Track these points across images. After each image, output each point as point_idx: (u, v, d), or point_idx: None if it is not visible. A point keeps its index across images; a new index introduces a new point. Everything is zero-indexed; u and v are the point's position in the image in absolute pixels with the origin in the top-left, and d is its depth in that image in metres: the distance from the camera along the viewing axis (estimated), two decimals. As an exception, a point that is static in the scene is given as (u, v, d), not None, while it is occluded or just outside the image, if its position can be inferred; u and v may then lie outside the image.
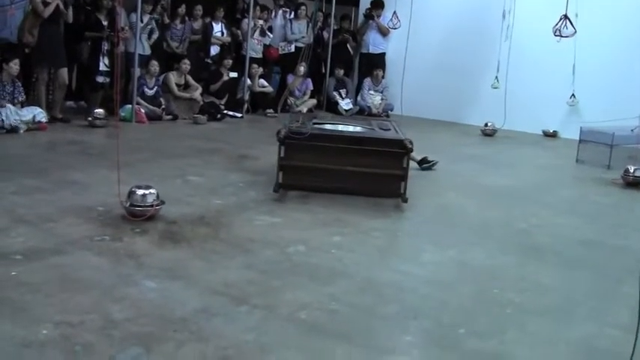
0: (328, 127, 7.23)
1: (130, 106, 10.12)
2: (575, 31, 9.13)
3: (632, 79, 10.54)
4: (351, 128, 7.25)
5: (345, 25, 14.54)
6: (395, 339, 3.58)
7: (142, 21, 10.64)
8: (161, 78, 10.87)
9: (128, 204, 5.20)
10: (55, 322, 3.36)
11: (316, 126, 7.01)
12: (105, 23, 10.14)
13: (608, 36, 11.56)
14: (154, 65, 10.54)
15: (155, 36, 11.20)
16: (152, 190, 5.26)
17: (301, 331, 3.53)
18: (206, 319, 3.55)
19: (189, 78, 11.24)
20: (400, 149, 6.42)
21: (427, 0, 13.14)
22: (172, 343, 3.24)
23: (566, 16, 9.10)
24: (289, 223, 5.50)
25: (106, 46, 10.12)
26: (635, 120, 8.81)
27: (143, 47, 10.83)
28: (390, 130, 7.22)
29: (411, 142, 6.42)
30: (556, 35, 9.33)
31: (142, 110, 10.21)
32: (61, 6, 9.17)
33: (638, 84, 9.87)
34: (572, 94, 12.24)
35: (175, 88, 10.98)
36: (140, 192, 5.23)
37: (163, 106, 10.65)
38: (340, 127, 7.27)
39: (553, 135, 12.58)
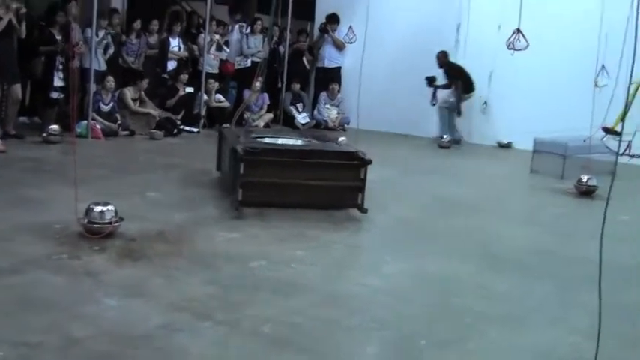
0: (268, 140, 7.25)
1: (85, 122, 10.02)
2: (528, 45, 9.29)
3: (581, 90, 10.73)
4: (291, 142, 7.30)
5: (302, 40, 14.58)
6: (357, 351, 3.61)
7: (97, 36, 10.55)
8: (117, 93, 10.79)
9: (86, 221, 5.14)
10: (12, 343, 3.31)
11: (257, 140, 7.03)
12: (59, 38, 10.04)
13: (555, 48, 11.75)
14: (110, 81, 10.47)
15: (111, 51, 11.12)
16: (110, 207, 5.21)
17: (265, 345, 3.53)
18: (169, 335, 3.53)
19: (143, 94, 11.17)
20: (358, 161, 6.48)
21: (383, 15, 13.20)
22: (135, 361, 3.23)
23: (518, 30, 9.26)
24: (250, 239, 5.49)
25: (60, 62, 10.02)
26: (587, 130, 8.97)
27: (99, 62, 10.74)
28: (328, 141, 7.35)
29: (364, 154, 6.49)
30: (509, 49, 9.50)
31: (98, 126, 10.12)
32: (14, 21, 9.03)
33: (587, 94, 10.06)
34: (485, 102, 12.47)
35: (132, 104, 10.91)
36: (98, 209, 5.17)
37: (119, 122, 10.57)
38: (280, 141, 7.30)
39: (507, 146, 12.74)
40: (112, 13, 11.47)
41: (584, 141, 9.36)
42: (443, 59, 12.46)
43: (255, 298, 4.15)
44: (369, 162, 6.44)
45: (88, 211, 5.17)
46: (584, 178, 8.38)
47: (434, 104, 12.69)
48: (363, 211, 6.35)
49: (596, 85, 10.32)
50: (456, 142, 12.31)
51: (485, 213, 7.18)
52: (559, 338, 3.91)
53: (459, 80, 12.39)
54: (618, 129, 3.04)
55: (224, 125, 11.98)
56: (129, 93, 10.95)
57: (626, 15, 5.50)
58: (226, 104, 12.71)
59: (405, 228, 6.33)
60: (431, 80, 12.65)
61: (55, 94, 10.05)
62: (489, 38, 11.33)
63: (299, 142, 7.30)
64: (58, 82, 10.04)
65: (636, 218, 7.32)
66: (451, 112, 12.51)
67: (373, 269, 5.03)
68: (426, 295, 4.51)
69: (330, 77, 14.22)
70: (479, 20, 12.40)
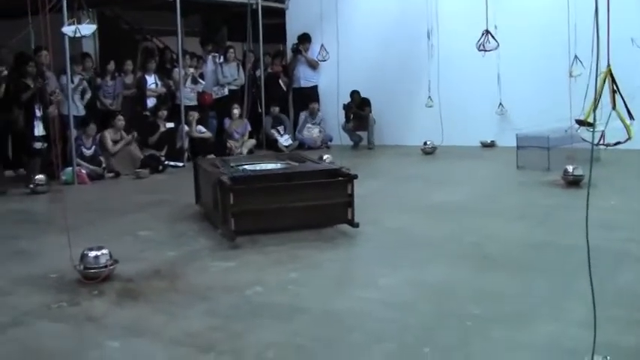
0: (247, 167, 7.28)
1: (70, 168, 10.04)
2: (498, 45, 9.40)
3: (558, 81, 10.86)
4: (271, 166, 7.35)
5: (277, 62, 14.66)
6: (362, 366, 3.64)
7: (72, 82, 10.60)
8: (98, 137, 10.82)
9: (82, 267, 5.17)
10: (22, 396, 3.35)
11: (238, 168, 7.08)
12: (32, 86, 10.05)
13: (528, 43, 11.93)
14: (92, 129, 10.54)
15: (88, 95, 11.17)
16: (104, 251, 5.24)
17: (270, 370, 3.57)
18: (175, 371, 3.57)
19: (124, 133, 11.21)
20: (343, 177, 6.54)
21: (353, 29, 13.33)
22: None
23: (487, 31, 9.36)
24: (244, 266, 5.52)
25: (38, 110, 10.03)
26: (567, 120, 9.05)
27: (77, 108, 10.80)
28: (307, 161, 7.45)
29: (348, 169, 6.57)
30: (480, 50, 9.60)
31: (83, 171, 10.15)
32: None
33: (564, 85, 10.19)
34: (500, 104, 12.58)
35: (110, 145, 10.91)
36: (92, 254, 5.20)
37: (104, 165, 10.60)
38: (259, 167, 7.33)
39: (491, 145, 12.83)
40: (84, 58, 11.53)
41: (566, 131, 9.44)
42: (358, 99, 13.75)
43: (256, 325, 4.19)
44: (355, 176, 6.50)
45: (83, 257, 5.21)
46: (570, 168, 8.46)
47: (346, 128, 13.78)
48: (355, 225, 6.41)
49: (571, 76, 10.43)
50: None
51: (477, 214, 7.23)
52: (559, 331, 3.96)
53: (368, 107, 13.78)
54: (591, 120, 3.08)
55: (208, 156, 12.05)
56: (109, 135, 10.98)
57: (592, 4, 5.60)
58: (208, 135, 12.77)
59: (398, 237, 6.37)
60: (349, 107, 13.78)
61: (37, 144, 10.05)
62: (461, 41, 11.41)
63: (278, 166, 7.34)
64: (38, 131, 10.05)
65: (624, 202, 7.41)
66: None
67: (369, 282, 5.07)
68: (424, 303, 4.54)
69: (308, 97, 14.29)
70: (449, 25, 12.52)
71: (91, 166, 10.38)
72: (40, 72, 10.03)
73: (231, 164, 7.33)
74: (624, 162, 9.40)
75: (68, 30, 6.92)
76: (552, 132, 9.77)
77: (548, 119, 10.13)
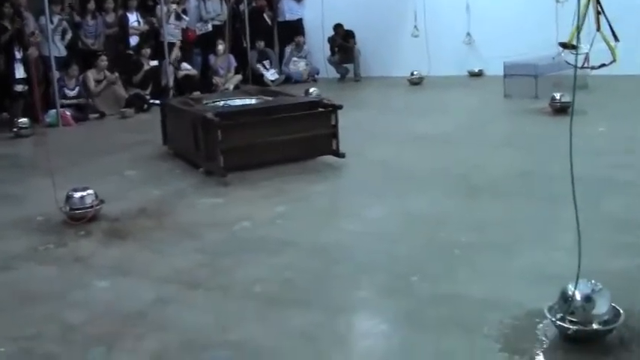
0: (223, 104, 7.22)
1: (54, 110, 9.93)
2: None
3: (542, 8, 10.71)
4: (246, 102, 7.29)
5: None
6: (349, 297, 3.66)
7: (52, 22, 10.41)
8: (81, 77, 10.68)
9: (67, 208, 5.15)
10: (12, 338, 3.35)
11: (216, 105, 7.02)
12: (10, 28, 9.86)
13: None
14: (74, 70, 10.38)
15: (69, 36, 10.96)
16: (90, 191, 5.22)
17: (258, 304, 3.58)
18: (163, 308, 3.59)
19: (107, 72, 11.05)
20: (325, 108, 6.50)
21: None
22: (133, 338, 3.26)
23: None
24: (231, 202, 5.52)
25: (18, 52, 9.86)
26: (554, 47, 8.97)
27: (58, 49, 10.60)
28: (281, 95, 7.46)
29: (330, 100, 6.58)
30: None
31: (68, 113, 10.03)
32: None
33: (549, 12, 10.06)
34: (468, 33, 12.48)
35: (93, 85, 10.75)
36: (78, 194, 5.18)
37: (88, 104, 10.49)
38: (237, 103, 7.27)
39: (479, 74, 12.72)
40: (63, -3, 11.30)
41: (554, 59, 9.35)
42: (342, 31, 13.46)
43: (243, 260, 4.20)
44: (339, 107, 6.47)
45: (68, 198, 5.19)
46: (558, 96, 8.41)
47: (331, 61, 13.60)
48: (341, 156, 6.41)
49: (557, 1, 10.30)
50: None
51: (464, 144, 7.20)
52: (546, 257, 3.99)
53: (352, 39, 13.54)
54: (574, 42, 3.03)
55: (194, 93, 11.93)
56: (91, 75, 10.82)
57: None
58: (193, 72, 12.62)
59: (385, 169, 6.35)
60: (334, 40, 13.51)
61: (18, 87, 9.90)
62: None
63: (253, 101, 7.27)
64: (19, 74, 9.89)
65: (612, 128, 7.38)
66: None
67: (357, 214, 5.07)
68: (412, 234, 4.55)
69: (293, 30, 14.12)
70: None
71: (76, 103, 10.26)
72: (17, 12, 9.83)
73: (205, 102, 7.25)
74: (612, 88, 9.33)
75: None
76: (540, 60, 9.69)
77: (535, 47, 10.03)
